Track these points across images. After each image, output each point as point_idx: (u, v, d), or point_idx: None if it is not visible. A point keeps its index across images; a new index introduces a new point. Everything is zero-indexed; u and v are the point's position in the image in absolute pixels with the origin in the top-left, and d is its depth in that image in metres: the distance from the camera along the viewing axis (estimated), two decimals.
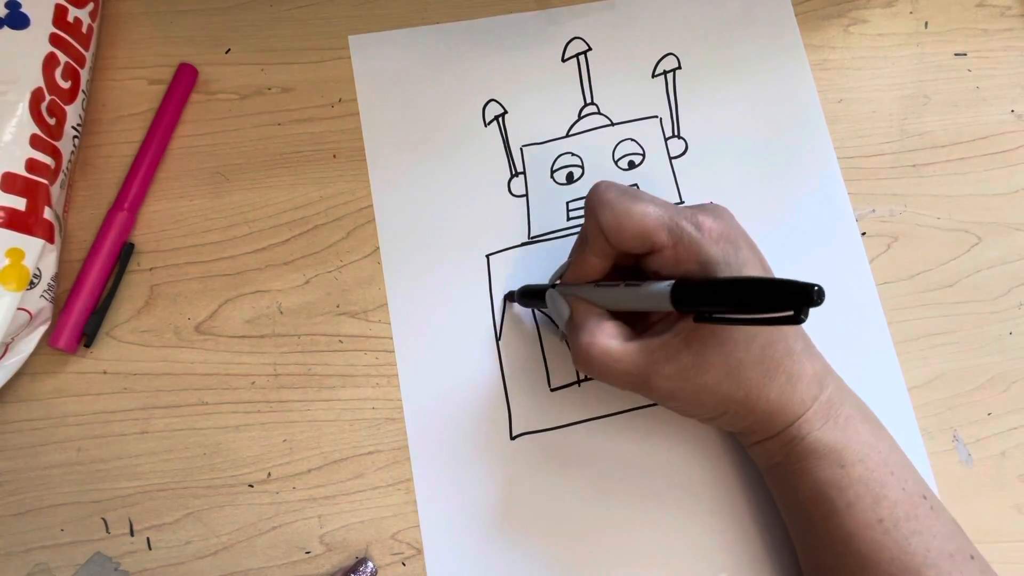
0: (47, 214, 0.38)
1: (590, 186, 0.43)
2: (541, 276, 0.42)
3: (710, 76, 0.45)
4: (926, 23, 0.47)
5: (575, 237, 0.42)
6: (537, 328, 0.41)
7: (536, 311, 0.42)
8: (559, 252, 0.42)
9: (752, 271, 0.33)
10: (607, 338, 0.33)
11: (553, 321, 0.41)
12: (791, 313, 0.27)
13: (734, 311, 0.29)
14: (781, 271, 0.34)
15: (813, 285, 0.27)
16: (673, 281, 0.31)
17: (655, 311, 0.35)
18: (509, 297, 0.42)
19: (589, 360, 0.34)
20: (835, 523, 0.33)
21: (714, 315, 0.30)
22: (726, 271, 0.32)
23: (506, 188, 0.43)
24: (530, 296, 0.39)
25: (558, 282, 0.38)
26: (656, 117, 0.45)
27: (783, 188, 0.44)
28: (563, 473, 0.39)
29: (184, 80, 0.43)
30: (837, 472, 0.33)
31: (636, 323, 0.35)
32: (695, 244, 0.32)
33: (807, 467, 0.34)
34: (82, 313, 0.39)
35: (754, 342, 0.32)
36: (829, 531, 0.33)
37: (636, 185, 0.43)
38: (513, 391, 0.40)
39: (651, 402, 0.40)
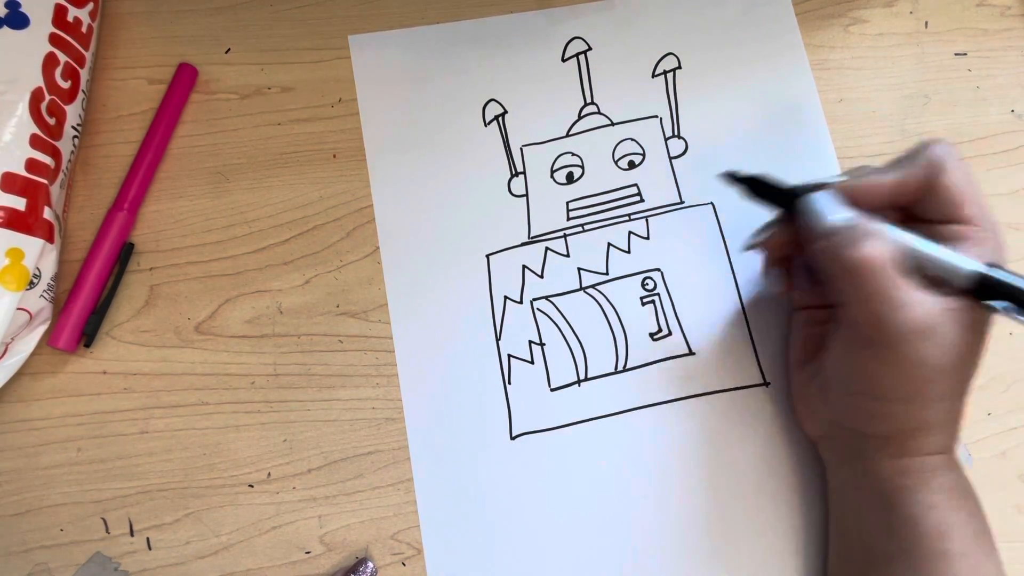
0: (47, 214, 0.38)
1: (590, 186, 0.44)
2: (544, 277, 0.42)
3: (710, 76, 0.45)
4: (926, 23, 0.47)
5: (575, 237, 0.42)
6: (537, 328, 0.41)
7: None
8: (558, 252, 0.42)
9: None
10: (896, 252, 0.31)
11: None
12: None
13: None
14: None
15: None
16: (988, 263, 0.31)
17: (930, 276, 0.32)
18: (728, 177, 0.37)
19: (874, 264, 0.30)
20: (944, 567, 0.32)
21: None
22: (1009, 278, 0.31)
23: (506, 188, 0.43)
24: (769, 191, 0.36)
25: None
26: (656, 117, 0.45)
27: None
28: (563, 473, 0.39)
29: (184, 80, 0.43)
30: (964, 517, 0.32)
31: None
32: (999, 238, 0.33)
33: (938, 501, 0.32)
34: (82, 313, 0.39)
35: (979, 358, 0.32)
36: (935, 572, 0.32)
37: (636, 186, 0.43)
38: (513, 391, 0.40)
39: (650, 403, 0.40)
